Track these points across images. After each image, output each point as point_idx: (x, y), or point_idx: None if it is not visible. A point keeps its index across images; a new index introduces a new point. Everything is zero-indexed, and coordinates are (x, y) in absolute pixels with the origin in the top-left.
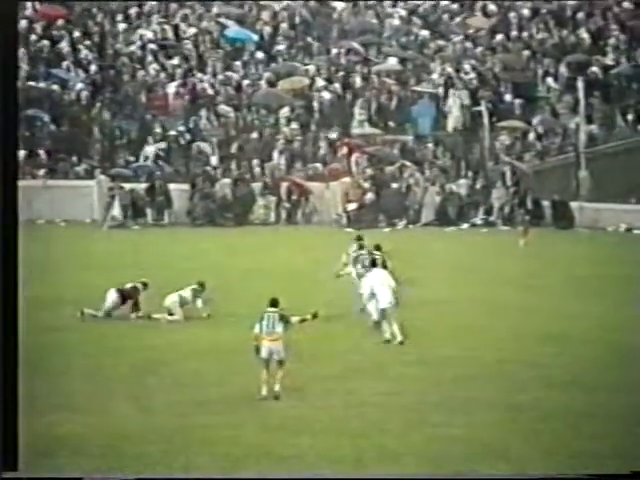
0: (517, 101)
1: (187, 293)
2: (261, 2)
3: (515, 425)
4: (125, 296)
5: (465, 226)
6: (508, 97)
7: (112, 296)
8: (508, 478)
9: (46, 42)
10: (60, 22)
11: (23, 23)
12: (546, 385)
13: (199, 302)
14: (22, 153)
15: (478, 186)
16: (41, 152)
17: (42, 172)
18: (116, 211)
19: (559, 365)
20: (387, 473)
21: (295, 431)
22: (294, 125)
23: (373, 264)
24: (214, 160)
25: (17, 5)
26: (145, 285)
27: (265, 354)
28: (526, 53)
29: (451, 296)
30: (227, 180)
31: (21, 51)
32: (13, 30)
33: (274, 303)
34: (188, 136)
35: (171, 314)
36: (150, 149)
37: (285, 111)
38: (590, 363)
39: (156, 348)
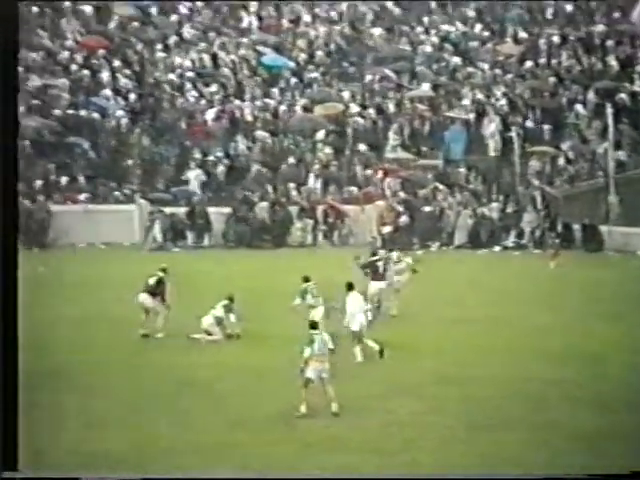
0: (546, 127)
1: (219, 311)
2: (297, 30)
3: (541, 443)
4: (155, 294)
5: (497, 249)
6: (538, 123)
7: (143, 298)
8: (508, 478)
9: (86, 72)
10: (100, 52)
11: (64, 54)
12: (571, 404)
13: (232, 317)
14: (63, 179)
15: (509, 210)
16: (81, 178)
17: (83, 197)
18: (157, 234)
19: (585, 385)
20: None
21: (330, 449)
22: (329, 150)
23: (350, 287)
24: (253, 184)
25: (17, 6)
26: (164, 270)
27: (312, 375)
28: (555, 80)
29: (482, 316)
30: (265, 203)
31: (62, 81)
32: (13, 31)
33: (315, 326)
34: (227, 161)
35: (209, 334)
36: (191, 174)
37: (320, 136)
38: (614, 384)
39: (194, 366)
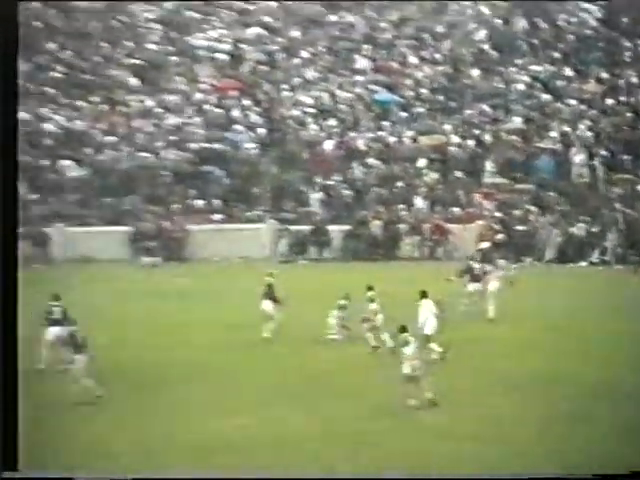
0: (627, 157)
1: (339, 311)
2: (405, 71)
3: (623, 439)
4: (272, 297)
5: (583, 264)
6: (619, 153)
7: (264, 304)
8: (508, 478)
9: (220, 110)
10: (232, 93)
11: (199, 95)
12: None
13: (345, 314)
14: (200, 203)
15: (594, 229)
16: (216, 201)
17: (218, 218)
18: (284, 249)
19: None
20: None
21: (437, 437)
22: (434, 175)
23: (423, 295)
24: (367, 205)
25: (17, 6)
26: (272, 275)
27: (411, 371)
28: (633, 115)
29: (567, 323)
30: (378, 222)
31: (197, 119)
32: (13, 31)
33: (405, 329)
34: (344, 185)
35: (334, 333)
36: (314, 196)
37: (424, 163)
38: None
39: (311, 364)
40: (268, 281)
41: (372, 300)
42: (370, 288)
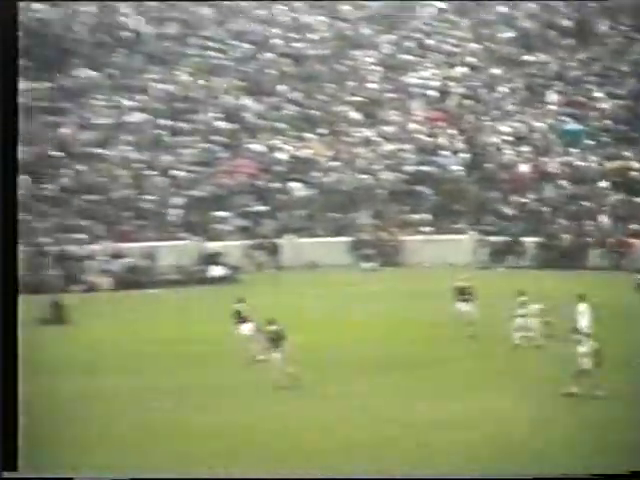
0: None
1: (525, 310)
2: (590, 104)
3: None
4: (466, 300)
5: None
6: None
7: (461, 306)
8: (508, 478)
9: (430, 138)
10: (440, 123)
11: (412, 126)
12: None
13: (536, 315)
14: (412, 216)
15: None
16: (426, 215)
17: (427, 229)
18: (483, 257)
19: None
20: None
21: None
22: (617, 196)
23: (581, 298)
24: (559, 219)
25: (17, 6)
26: (467, 280)
27: (584, 365)
28: None
29: None
30: (568, 235)
31: (409, 146)
32: (13, 32)
33: (577, 330)
34: (537, 203)
35: (528, 330)
36: (508, 211)
37: (609, 185)
38: None
39: (508, 357)
40: (461, 285)
41: (523, 304)
42: (522, 293)
